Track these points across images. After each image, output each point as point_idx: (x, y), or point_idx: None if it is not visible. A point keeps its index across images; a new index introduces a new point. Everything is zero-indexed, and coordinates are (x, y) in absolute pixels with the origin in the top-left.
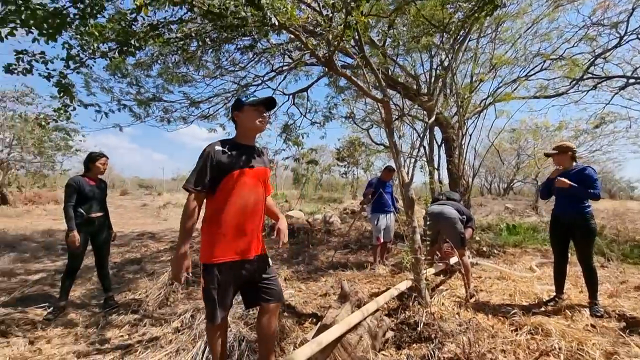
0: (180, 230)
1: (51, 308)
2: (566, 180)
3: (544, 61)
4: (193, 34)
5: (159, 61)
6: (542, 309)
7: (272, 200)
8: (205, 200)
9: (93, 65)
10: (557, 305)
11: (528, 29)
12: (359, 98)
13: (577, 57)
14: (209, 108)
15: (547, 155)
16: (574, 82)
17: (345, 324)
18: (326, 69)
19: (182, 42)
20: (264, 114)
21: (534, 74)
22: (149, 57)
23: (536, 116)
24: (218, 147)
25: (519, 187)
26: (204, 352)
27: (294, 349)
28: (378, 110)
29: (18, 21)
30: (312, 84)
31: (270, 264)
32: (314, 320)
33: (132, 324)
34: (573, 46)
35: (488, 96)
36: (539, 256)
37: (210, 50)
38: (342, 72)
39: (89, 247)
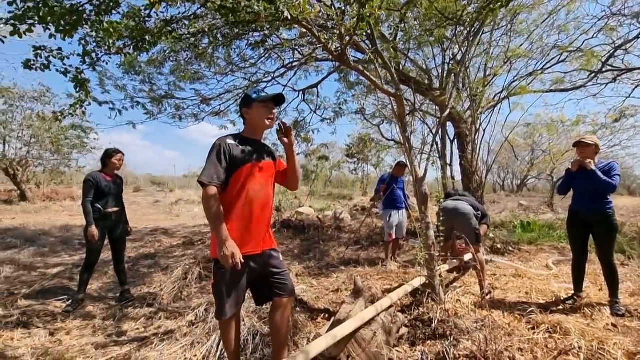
0: (209, 222)
1: (70, 300)
2: (590, 161)
3: (561, 53)
4: (206, 29)
5: (171, 58)
6: (560, 307)
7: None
8: None
9: (108, 62)
10: (575, 303)
11: (544, 21)
12: (369, 94)
13: (596, 49)
14: (219, 105)
15: (576, 144)
16: (592, 75)
17: (359, 319)
18: (337, 64)
19: (193, 39)
20: (273, 111)
21: (551, 66)
22: (162, 54)
23: (552, 110)
24: (230, 141)
25: (533, 184)
26: (218, 346)
27: (307, 344)
28: (389, 106)
29: (36, 18)
30: (323, 79)
31: (281, 258)
32: (327, 315)
33: (148, 317)
34: (592, 37)
35: (502, 90)
36: (555, 254)
37: (222, 46)
38: (354, 66)
39: (107, 242)
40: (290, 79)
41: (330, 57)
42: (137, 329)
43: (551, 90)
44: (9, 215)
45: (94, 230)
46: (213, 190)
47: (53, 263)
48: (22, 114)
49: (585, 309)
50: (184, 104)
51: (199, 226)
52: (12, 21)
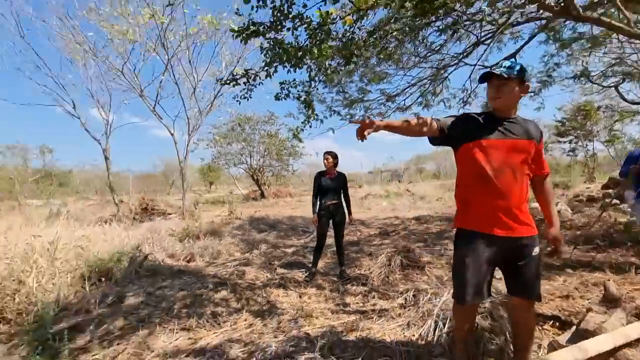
0: None
1: (307, 273)
2: None
3: None
4: (406, 28)
5: (361, 64)
6: None
7: (548, 187)
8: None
9: (326, 85)
10: None
11: None
12: (595, 47)
13: None
14: (404, 100)
15: None
16: None
17: (620, 335)
18: (543, 24)
19: (383, 41)
20: (495, 88)
21: None
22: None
23: None
24: (474, 115)
25: None
26: (434, 331)
27: (540, 352)
28: (631, 56)
29: (278, 60)
30: (522, 46)
31: (536, 252)
32: (556, 323)
33: (363, 294)
34: None
35: None
36: None
37: (408, 40)
38: (585, 16)
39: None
40: (480, 57)
41: (543, 13)
42: (357, 303)
43: None
44: (256, 208)
45: (314, 217)
46: (429, 118)
47: (289, 244)
48: (259, 133)
49: None
50: (371, 105)
51: (389, 218)
52: (266, 67)
